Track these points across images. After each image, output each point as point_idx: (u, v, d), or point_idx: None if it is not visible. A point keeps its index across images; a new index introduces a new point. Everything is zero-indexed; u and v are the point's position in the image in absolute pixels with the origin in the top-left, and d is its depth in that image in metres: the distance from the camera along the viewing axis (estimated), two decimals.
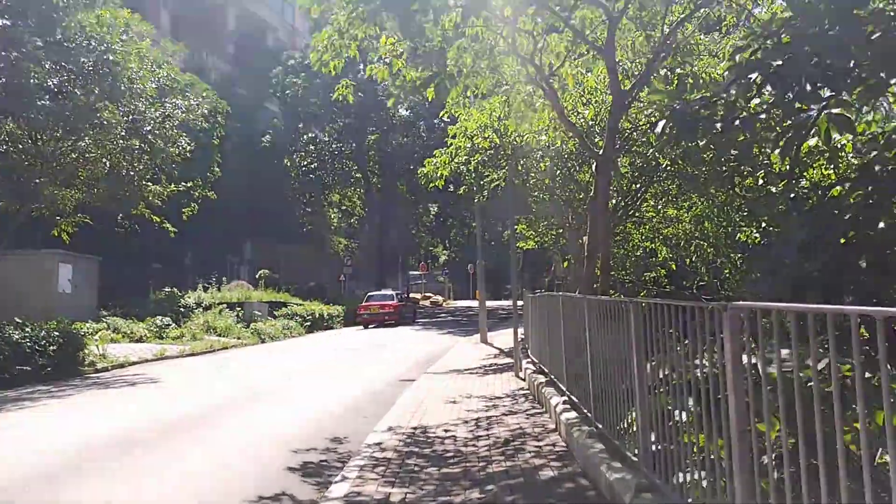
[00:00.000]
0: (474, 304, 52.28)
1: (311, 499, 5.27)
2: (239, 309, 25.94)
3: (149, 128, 13.89)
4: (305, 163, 46.83)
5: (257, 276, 35.93)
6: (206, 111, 15.86)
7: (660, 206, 14.33)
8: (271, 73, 46.06)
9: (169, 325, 21.85)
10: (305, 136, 46.12)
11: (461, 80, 10.03)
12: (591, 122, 10.19)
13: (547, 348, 9.28)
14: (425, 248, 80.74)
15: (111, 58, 12.30)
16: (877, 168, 4.45)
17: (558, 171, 12.61)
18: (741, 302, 3.23)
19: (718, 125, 4.38)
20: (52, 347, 13.22)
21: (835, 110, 3.94)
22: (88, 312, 22.31)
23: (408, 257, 69.27)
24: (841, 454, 2.21)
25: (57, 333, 13.73)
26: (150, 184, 15.97)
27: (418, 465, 5.89)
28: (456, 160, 13.77)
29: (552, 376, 8.77)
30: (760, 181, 9.68)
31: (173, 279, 30.69)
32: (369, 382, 11.94)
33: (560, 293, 9.81)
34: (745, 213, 10.69)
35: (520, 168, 12.45)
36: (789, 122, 4.28)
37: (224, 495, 5.48)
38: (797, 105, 4.17)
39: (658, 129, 4.48)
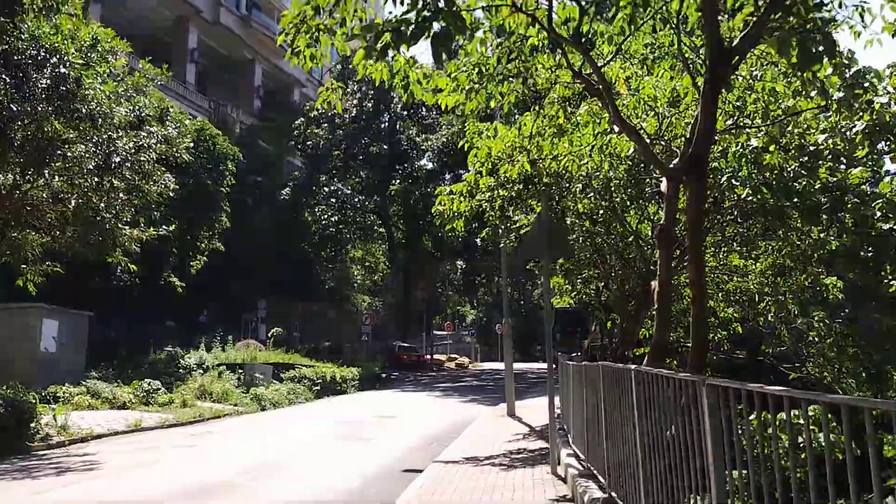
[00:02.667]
0: (502, 366, 49.37)
1: None
2: (240, 371, 23.57)
3: (118, 159, 11.71)
4: (326, 216, 45.00)
5: (269, 336, 33.69)
6: (189, 144, 13.69)
7: (722, 254, 11.79)
8: (293, 125, 44.76)
9: (158, 389, 19.51)
10: (327, 189, 44.42)
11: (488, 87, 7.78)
12: (654, 135, 7.77)
13: (596, 439, 6.72)
14: (452, 307, 78.33)
15: (70, 74, 10.21)
16: None
17: (604, 204, 10.18)
18: None
19: None
20: None
21: None
22: (75, 373, 20.14)
23: (434, 316, 66.72)
24: None
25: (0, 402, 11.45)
26: (125, 227, 13.78)
27: None
28: (478, 197, 11.45)
29: (603, 481, 6.21)
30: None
31: (187, 337, 28.51)
32: (360, 473, 9.37)
33: (603, 363, 7.34)
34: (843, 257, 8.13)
35: (555, 205, 10.04)
36: None
37: None
38: None
39: None
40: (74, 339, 21.59)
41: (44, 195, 12.71)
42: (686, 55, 7.00)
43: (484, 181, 11.36)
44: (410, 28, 5.02)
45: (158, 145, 12.83)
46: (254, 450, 12.11)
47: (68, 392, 17.38)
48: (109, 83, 12.21)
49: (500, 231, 12.39)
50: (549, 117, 8.15)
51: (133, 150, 12.48)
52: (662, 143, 7.94)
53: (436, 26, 5.04)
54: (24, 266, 14.13)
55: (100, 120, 11.67)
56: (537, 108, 8.10)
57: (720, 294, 12.57)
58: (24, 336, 19.71)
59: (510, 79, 7.86)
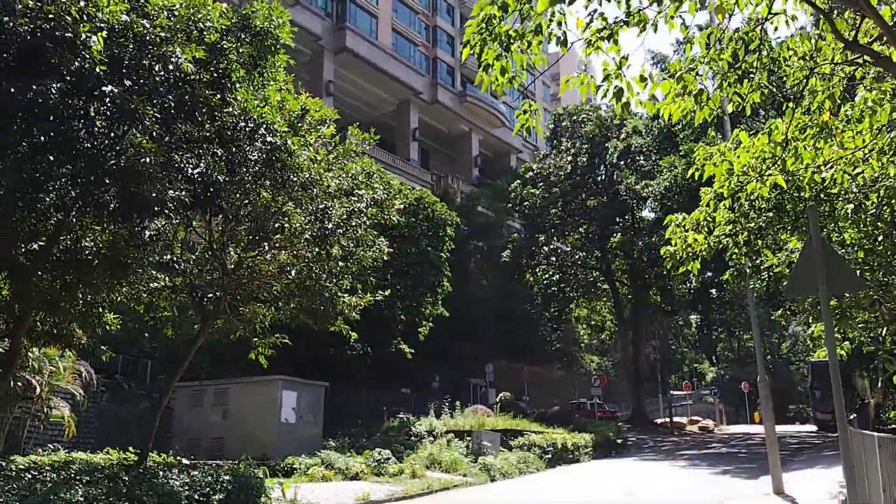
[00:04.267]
0: (752, 429, 44.06)
1: None
2: (468, 439, 22.85)
3: (331, 225, 11.65)
4: (547, 276, 44.06)
5: (497, 400, 32.98)
6: (399, 206, 13.43)
7: None
8: (510, 188, 44.90)
9: (389, 458, 19.29)
10: (546, 248, 43.61)
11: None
12: None
13: None
14: (689, 365, 72.87)
15: (278, 142, 10.31)
16: None
17: (881, 226, 7.99)
18: None
19: None
20: (217, 496, 10.93)
21: None
22: (312, 443, 20.70)
23: (669, 376, 62.33)
24: None
25: (228, 478, 11.52)
26: (344, 295, 13.74)
27: None
28: (717, 231, 9.69)
29: None
30: None
31: (420, 404, 28.77)
32: None
33: None
34: None
35: (826, 226, 8.03)
36: None
37: None
38: None
39: None
40: (312, 410, 22.31)
41: (270, 268, 13.00)
42: None
43: (722, 214, 9.62)
44: None
45: (369, 209, 12.63)
46: None
47: (304, 464, 17.66)
48: (321, 151, 12.32)
49: (748, 271, 10.46)
50: (809, 112, 6.41)
51: (345, 217, 12.36)
52: None
53: None
54: (255, 339, 14.55)
55: (315, 189, 11.71)
56: (791, 105, 6.40)
57: None
58: (265, 407, 20.67)
59: (751, 74, 6.33)
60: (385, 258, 14.14)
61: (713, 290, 40.06)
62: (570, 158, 42.01)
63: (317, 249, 12.66)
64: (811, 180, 7.05)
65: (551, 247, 43.96)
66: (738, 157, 7.02)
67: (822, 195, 7.63)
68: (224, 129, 10.35)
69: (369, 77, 51.54)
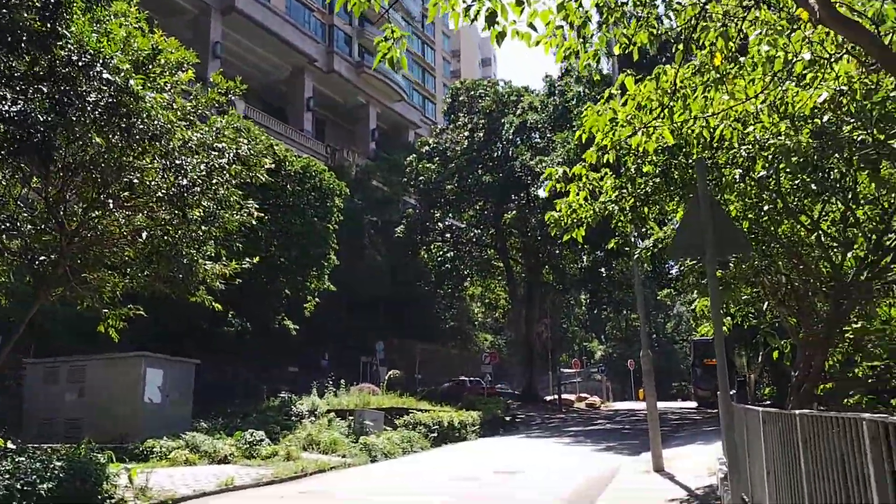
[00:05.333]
0: (636, 406, 45.34)
1: None
2: (351, 418, 21.91)
3: (187, 182, 10.32)
4: (441, 253, 43.46)
5: (385, 378, 32.13)
6: (270, 164, 12.19)
7: None
8: (406, 162, 43.88)
9: (262, 440, 18.04)
10: (441, 225, 42.97)
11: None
12: None
13: None
14: (579, 344, 74.59)
15: (119, 82, 8.88)
16: None
17: (766, 197, 7.55)
18: None
19: None
20: (45, 486, 9.50)
21: None
22: (181, 425, 19.15)
23: (560, 354, 63.48)
24: None
25: (60, 464, 10.10)
26: (206, 262, 12.41)
27: None
28: (602, 198, 9.10)
29: None
30: None
31: (307, 383, 27.33)
32: None
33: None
34: None
35: (712, 193, 7.47)
36: None
37: None
38: None
39: None
40: (180, 389, 20.70)
41: (120, 231, 11.53)
42: None
43: (608, 181, 9.04)
44: None
45: (232, 166, 11.34)
46: None
47: (165, 447, 16.19)
48: (178, 100, 10.93)
49: (633, 240, 9.96)
50: (701, 48, 5.75)
51: (205, 174, 11.03)
52: None
53: None
54: (106, 311, 13.01)
55: (169, 142, 10.32)
56: (681, 47, 5.72)
57: None
58: (127, 386, 18.98)
59: (639, 9, 5.60)
60: (255, 222, 12.88)
61: (603, 270, 40.63)
62: (466, 133, 41.41)
63: (174, 210, 11.30)
64: (699, 136, 6.44)
65: (446, 223, 43.38)
66: (625, 103, 6.32)
67: (710, 159, 7.07)
68: (56, 66, 8.85)
69: (261, 41, 49.01)
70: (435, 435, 22.83)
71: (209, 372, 25.67)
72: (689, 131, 6.35)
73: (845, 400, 9.66)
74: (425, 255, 43.61)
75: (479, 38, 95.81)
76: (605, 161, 6.68)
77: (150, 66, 10.23)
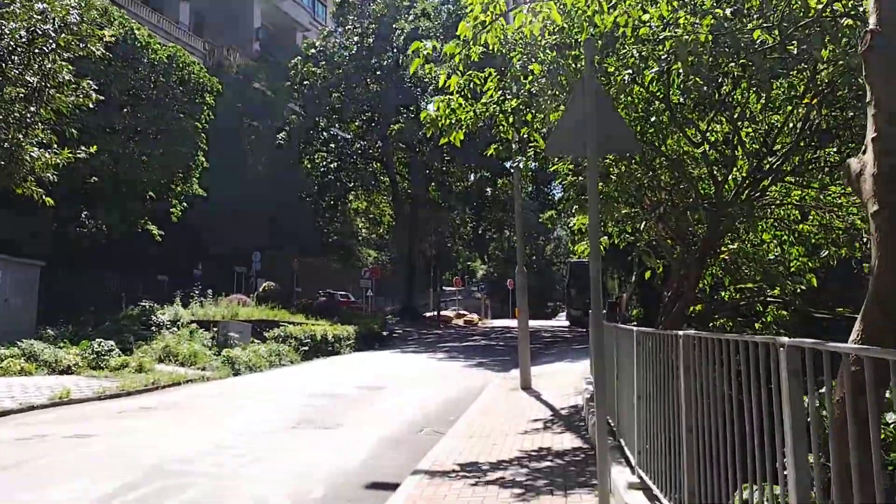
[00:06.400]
0: (512, 323, 46.32)
1: None
2: (216, 330, 20.73)
3: (2, 45, 8.61)
4: (325, 163, 41.71)
5: (260, 290, 30.88)
6: (109, 37, 10.50)
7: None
8: (291, 65, 41.18)
9: (111, 350, 16.67)
10: (326, 134, 41.05)
11: None
12: None
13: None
14: (462, 263, 75.24)
15: None
16: None
17: (658, 105, 6.96)
18: None
19: None
20: None
21: None
22: (24, 331, 17.40)
23: (443, 272, 63.81)
24: None
25: None
26: (34, 149, 10.71)
27: None
28: (483, 99, 8.29)
29: None
30: None
31: (177, 293, 25.35)
32: (303, 491, 6.40)
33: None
34: None
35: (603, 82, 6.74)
36: None
37: None
38: None
39: None
40: (22, 292, 18.84)
41: None
42: None
43: (491, 81, 8.22)
44: None
45: (61, 36, 9.61)
46: (165, 445, 8.70)
47: None
48: None
49: (514, 146, 9.27)
50: None
51: (24, 39, 9.28)
52: None
53: None
54: None
55: None
56: None
57: (791, 236, 9.39)
58: None
59: None
60: (92, 105, 11.19)
61: (488, 189, 40.40)
62: (356, 39, 39.22)
63: None
64: (591, 21, 5.65)
65: (331, 133, 41.50)
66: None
67: (599, 63, 6.32)
68: None
69: None
70: (307, 349, 22.09)
71: (64, 277, 23.53)
72: (580, 12, 5.54)
73: (710, 323, 9.57)
74: (308, 165, 41.73)
75: None
76: (482, 42, 5.78)
77: None
